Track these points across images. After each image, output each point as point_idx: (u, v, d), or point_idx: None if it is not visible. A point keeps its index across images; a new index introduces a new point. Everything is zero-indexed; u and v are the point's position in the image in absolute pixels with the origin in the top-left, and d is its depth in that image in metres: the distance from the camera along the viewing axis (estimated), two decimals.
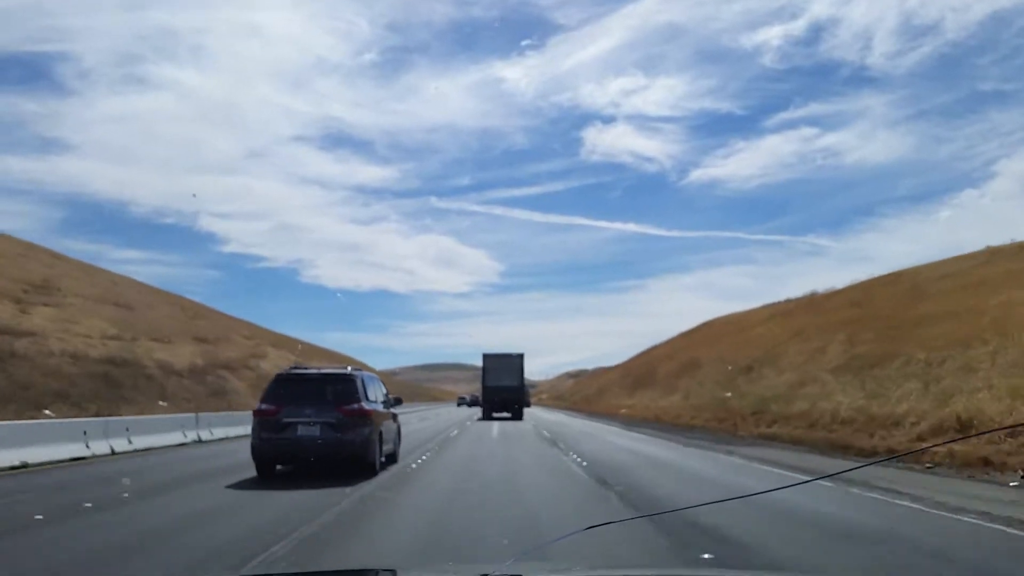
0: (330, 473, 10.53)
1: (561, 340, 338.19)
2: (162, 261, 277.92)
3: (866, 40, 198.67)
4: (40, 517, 7.49)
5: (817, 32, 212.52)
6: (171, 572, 5.36)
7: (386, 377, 46.17)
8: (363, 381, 11.44)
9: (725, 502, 4.97)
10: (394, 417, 13.35)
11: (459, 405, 77.85)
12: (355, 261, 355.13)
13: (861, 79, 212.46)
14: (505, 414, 38.54)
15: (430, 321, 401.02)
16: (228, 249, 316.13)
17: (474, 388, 79.60)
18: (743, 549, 6.01)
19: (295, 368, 12.26)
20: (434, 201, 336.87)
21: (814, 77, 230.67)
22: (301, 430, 10.54)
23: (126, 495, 8.90)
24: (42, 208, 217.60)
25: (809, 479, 6.79)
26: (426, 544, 6.28)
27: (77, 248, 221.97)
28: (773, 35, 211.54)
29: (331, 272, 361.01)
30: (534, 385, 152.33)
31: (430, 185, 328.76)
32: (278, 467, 11.00)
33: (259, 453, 10.68)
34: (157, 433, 17.12)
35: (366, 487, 9.71)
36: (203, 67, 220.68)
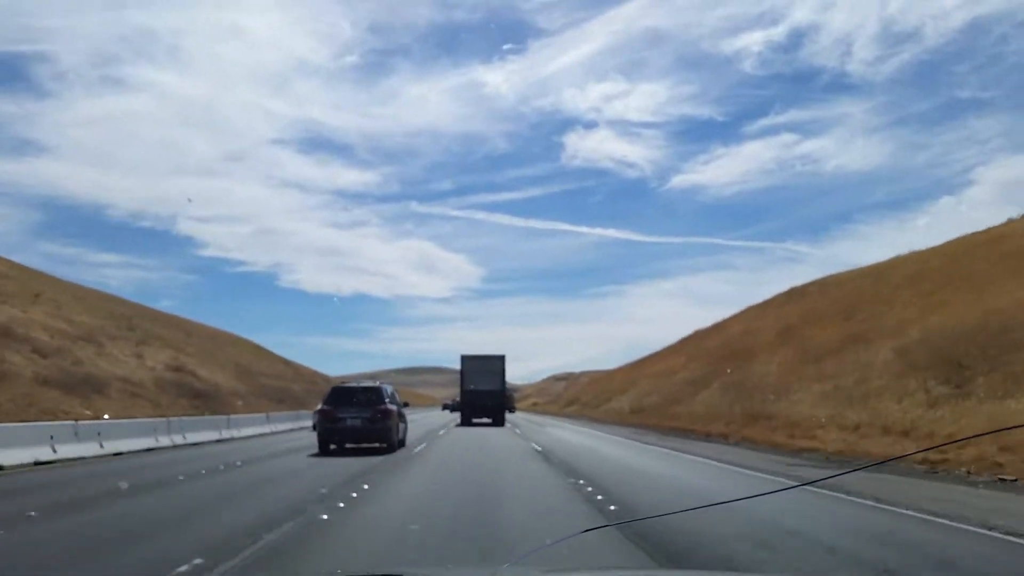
0: (365, 451, 17.12)
1: (541, 346, 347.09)
2: (139, 265, 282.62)
3: (846, 46, 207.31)
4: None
5: (798, 38, 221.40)
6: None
7: (364, 380, 40.21)
8: (386, 391, 18.15)
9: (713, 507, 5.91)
10: (403, 416, 19.96)
11: (443, 409, 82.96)
12: (335, 266, 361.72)
13: (841, 86, 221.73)
14: (486, 420, 38.43)
15: (411, 326, 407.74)
16: (207, 253, 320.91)
17: (454, 392, 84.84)
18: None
19: (344, 383, 18.93)
20: (415, 206, 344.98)
21: (794, 83, 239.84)
22: (349, 422, 17.22)
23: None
24: (19, 211, 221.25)
25: (796, 484, 7.27)
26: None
27: (54, 252, 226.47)
28: (754, 41, 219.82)
29: (311, 277, 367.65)
30: (517, 389, 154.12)
31: (411, 190, 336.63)
32: (331, 447, 17.58)
33: (321, 437, 17.39)
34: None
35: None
36: (182, 69, 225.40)
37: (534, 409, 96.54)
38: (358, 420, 17.29)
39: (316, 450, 17.52)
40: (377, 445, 17.50)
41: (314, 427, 19.09)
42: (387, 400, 17.95)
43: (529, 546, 5.94)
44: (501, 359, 39.17)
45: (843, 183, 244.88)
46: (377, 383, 18.74)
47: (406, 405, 21.27)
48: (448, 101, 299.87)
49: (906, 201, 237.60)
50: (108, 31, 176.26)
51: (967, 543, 7.00)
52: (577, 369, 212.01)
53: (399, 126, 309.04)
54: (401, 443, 19.35)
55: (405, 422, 20.47)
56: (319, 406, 17.90)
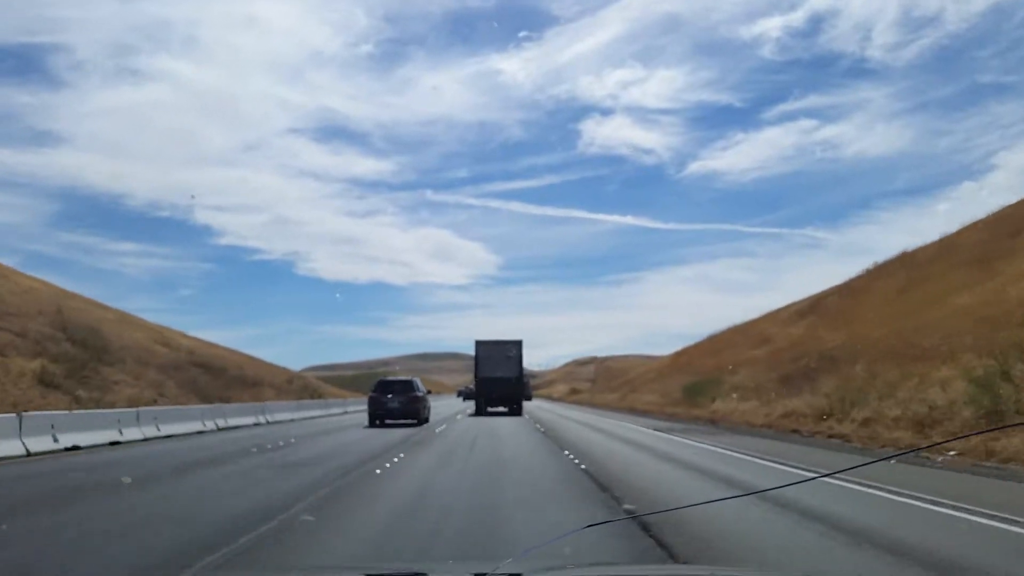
0: (403, 425, 24.64)
1: (557, 332, 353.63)
2: (157, 254, 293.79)
3: (866, 31, 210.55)
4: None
5: (816, 23, 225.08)
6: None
7: (379, 367, 39.68)
8: (417, 382, 25.85)
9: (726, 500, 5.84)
10: (427, 401, 27.54)
11: (458, 397, 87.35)
12: (351, 254, 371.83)
13: (860, 71, 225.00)
14: (501, 409, 37.99)
15: (427, 313, 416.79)
16: (224, 242, 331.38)
17: (470, 379, 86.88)
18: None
19: (388, 377, 26.62)
20: (430, 194, 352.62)
21: (813, 69, 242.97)
22: (391, 404, 24.87)
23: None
24: (37, 201, 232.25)
25: (814, 476, 7.47)
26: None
27: (72, 242, 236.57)
28: (772, 26, 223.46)
29: (327, 265, 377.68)
30: (534, 375, 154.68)
31: (426, 178, 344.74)
32: (377, 423, 25.15)
33: (372, 415, 25.11)
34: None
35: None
36: (198, 58, 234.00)
37: (575, 400, 76.71)
38: (396, 403, 25.01)
39: (362, 425, 25.15)
40: (410, 421, 25.07)
41: None
42: (417, 389, 25.68)
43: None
44: (518, 344, 38.54)
45: (863, 169, 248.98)
46: (411, 377, 26.47)
47: (429, 392, 28.95)
48: (463, 90, 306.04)
49: (926, 187, 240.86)
50: (124, 21, 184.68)
51: None
52: (601, 354, 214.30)
53: (414, 115, 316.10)
54: (426, 420, 26.91)
55: (429, 405, 28.12)
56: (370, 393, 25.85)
